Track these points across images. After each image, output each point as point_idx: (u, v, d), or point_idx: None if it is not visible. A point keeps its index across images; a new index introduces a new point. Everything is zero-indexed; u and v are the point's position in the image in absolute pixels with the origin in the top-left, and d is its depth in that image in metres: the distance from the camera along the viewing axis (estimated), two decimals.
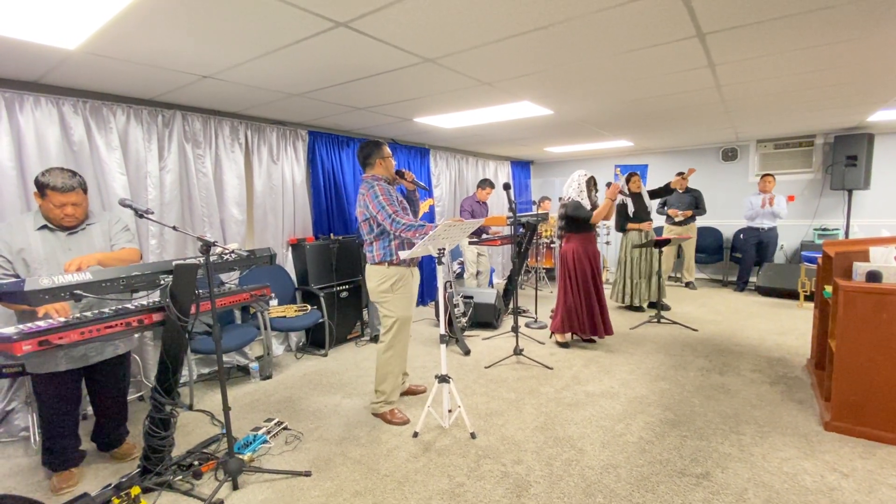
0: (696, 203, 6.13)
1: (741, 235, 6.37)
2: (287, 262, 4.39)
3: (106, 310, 2.01)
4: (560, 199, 4.07)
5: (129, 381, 2.69)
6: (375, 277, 2.81)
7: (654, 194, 5.37)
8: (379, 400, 2.87)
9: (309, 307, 4.07)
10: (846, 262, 2.61)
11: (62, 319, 1.83)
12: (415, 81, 3.09)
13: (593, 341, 4.21)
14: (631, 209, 5.13)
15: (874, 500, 1.98)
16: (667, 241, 4.76)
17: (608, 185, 3.88)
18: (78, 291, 1.75)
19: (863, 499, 1.99)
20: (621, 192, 3.77)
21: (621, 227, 5.26)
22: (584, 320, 3.99)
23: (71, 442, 2.36)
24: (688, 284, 6.57)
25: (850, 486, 2.09)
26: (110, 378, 2.46)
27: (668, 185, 5.39)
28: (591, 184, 3.95)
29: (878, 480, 2.12)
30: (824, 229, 6.15)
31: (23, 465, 2.53)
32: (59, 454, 2.32)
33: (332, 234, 4.63)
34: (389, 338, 2.83)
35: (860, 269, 2.50)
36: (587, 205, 3.86)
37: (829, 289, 2.87)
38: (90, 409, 2.60)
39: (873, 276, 2.43)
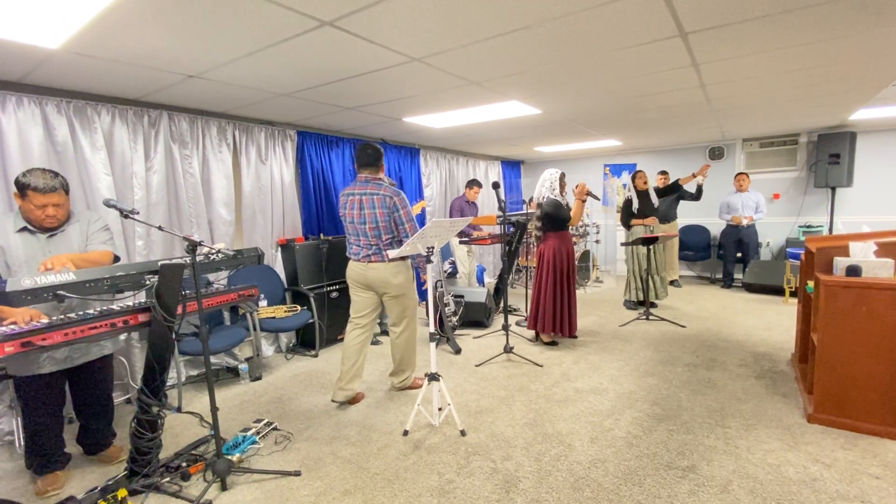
0: (679, 198, 6.21)
1: (723, 233, 6.46)
2: (276, 262, 4.37)
3: (90, 310, 1.99)
4: (531, 198, 4.09)
5: (113, 384, 2.66)
6: (402, 272, 3.07)
7: (661, 192, 5.44)
8: (404, 376, 3.27)
9: (299, 308, 4.06)
10: (827, 258, 2.66)
11: (36, 324, 1.77)
12: (403, 81, 3.10)
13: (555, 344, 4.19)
14: (636, 206, 5.16)
15: (855, 490, 2.02)
16: (655, 239, 4.81)
17: (576, 187, 3.95)
18: (61, 292, 1.74)
19: (844, 489, 2.03)
20: (590, 195, 3.88)
21: (626, 224, 5.31)
22: (548, 319, 3.99)
23: (55, 444, 2.33)
24: (672, 282, 6.63)
25: (832, 476, 2.13)
26: (95, 380, 2.43)
27: (676, 183, 5.49)
28: (563, 181, 4.00)
29: (858, 470, 2.16)
30: (809, 226, 6.24)
31: (7, 470, 2.50)
32: (43, 457, 2.29)
33: (321, 235, 4.62)
34: (405, 323, 3.17)
35: (840, 263, 2.55)
36: (564, 203, 3.94)
37: (811, 284, 2.92)
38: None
39: (853, 271, 2.48)
